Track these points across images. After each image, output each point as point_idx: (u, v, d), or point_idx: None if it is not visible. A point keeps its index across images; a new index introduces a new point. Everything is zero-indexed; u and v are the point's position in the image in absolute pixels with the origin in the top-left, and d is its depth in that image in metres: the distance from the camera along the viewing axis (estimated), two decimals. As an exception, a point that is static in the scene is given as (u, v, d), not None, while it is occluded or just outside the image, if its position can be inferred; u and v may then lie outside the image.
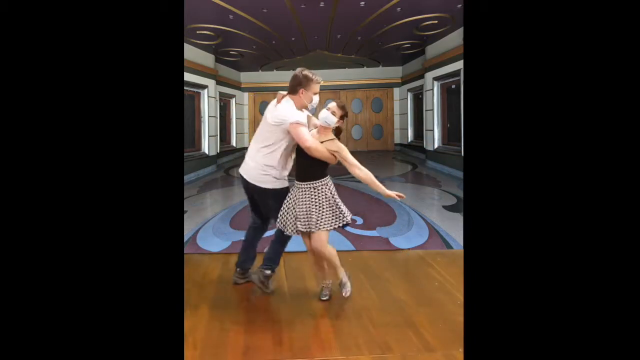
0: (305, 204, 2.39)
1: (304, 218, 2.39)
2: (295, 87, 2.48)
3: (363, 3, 6.21)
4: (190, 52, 8.32)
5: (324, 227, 2.38)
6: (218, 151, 10.08)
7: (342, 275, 2.59)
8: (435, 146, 9.16)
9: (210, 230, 4.30)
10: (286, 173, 2.57)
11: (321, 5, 6.19)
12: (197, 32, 7.44)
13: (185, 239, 3.99)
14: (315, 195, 2.40)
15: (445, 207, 5.18)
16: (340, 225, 2.43)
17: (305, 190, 2.41)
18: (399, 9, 6.52)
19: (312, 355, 1.99)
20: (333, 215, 2.41)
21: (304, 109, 2.52)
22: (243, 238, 2.91)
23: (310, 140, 2.31)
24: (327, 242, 2.46)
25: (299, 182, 2.44)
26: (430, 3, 6.44)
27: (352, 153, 2.42)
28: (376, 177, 2.40)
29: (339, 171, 8.61)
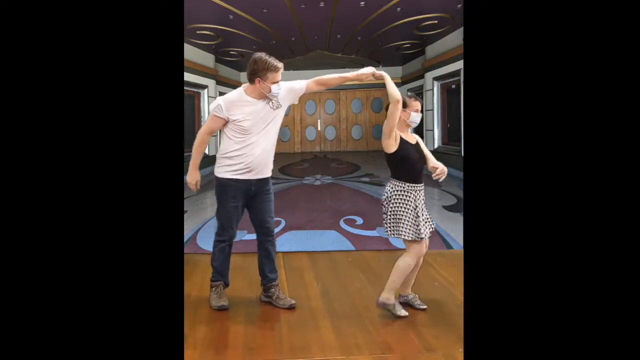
0: None
1: None
2: (251, 75, 2.30)
3: (363, 3, 6.20)
4: (190, 52, 8.31)
5: None
6: (218, 151, 10.06)
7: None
8: (435, 146, 9.16)
9: (210, 230, 4.30)
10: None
11: (321, 5, 6.19)
12: (197, 32, 7.43)
13: (185, 239, 3.99)
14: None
15: (445, 207, 5.18)
16: None
17: None
18: (399, 9, 6.52)
19: (312, 355, 1.99)
20: None
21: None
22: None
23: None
24: None
25: None
26: (430, 3, 6.44)
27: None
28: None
29: (339, 171, 8.63)
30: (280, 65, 2.30)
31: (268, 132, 2.36)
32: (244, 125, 2.30)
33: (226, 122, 2.33)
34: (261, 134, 2.34)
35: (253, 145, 2.32)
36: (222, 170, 2.38)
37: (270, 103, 2.34)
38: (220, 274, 2.51)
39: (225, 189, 2.38)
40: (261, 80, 2.27)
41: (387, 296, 2.31)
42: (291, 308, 2.45)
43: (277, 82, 2.29)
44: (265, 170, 2.42)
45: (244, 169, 2.34)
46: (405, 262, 2.31)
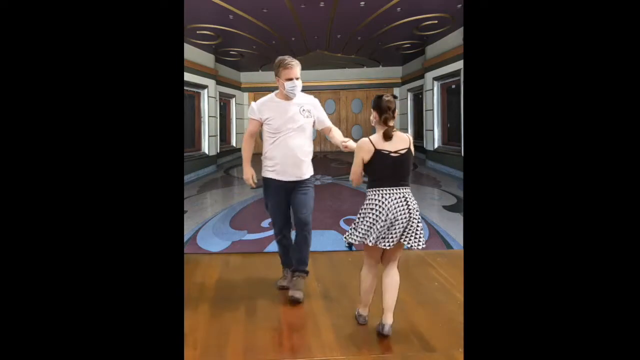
0: None
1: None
2: (274, 76, 2.53)
3: (363, 3, 6.21)
4: (190, 52, 8.31)
5: None
6: (218, 151, 10.08)
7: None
8: (435, 146, 9.16)
9: (210, 230, 4.30)
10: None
11: (321, 5, 6.19)
12: (197, 32, 7.44)
13: (185, 239, 3.99)
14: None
15: (445, 207, 5.18)
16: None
17: None
18: (399, 9, 6.52)
19: (312, 355, 1.99)
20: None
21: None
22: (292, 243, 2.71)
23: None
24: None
25: None
26: (430, 3, 6.44)
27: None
28: None
29: (339, 171, 8.62)
30: (293, 62, 2.45)
31: (296, 134, 2.48)
32: (273, 124, 2.47)
33: (261, 124, 2.52)
34: (288, 133, 2.47)
35: (282, 145, 2.47)
36: (264, 170, 2.58)
37: (301, 109, 2.51)
38: (284, 263, 2.76)
39: (267, 186, 2.60)
40: (278, 78, 2.47)
41: (391, 319, 2.12)
42: (292, 301, 2.49)
43: (291, 79, 2.43)
44: (299, 173, 2.52)
45: (276, 169, 2.50)
46: (398, 276, 2.21)
